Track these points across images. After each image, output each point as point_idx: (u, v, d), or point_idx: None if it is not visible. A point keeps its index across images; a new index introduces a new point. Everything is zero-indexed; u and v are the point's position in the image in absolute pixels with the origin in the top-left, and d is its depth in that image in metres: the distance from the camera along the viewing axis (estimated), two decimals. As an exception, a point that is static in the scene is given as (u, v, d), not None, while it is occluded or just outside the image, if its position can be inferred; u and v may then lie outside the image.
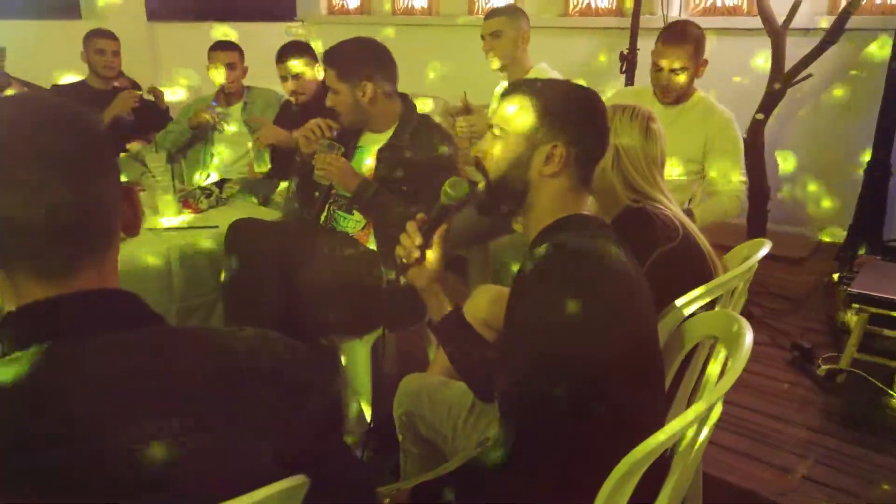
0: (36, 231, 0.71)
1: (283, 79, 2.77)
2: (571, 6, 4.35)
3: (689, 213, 2.07)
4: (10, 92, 2.70)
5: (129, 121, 3.21)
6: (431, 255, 1.34)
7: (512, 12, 2.78)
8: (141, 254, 1.90)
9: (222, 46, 3.03)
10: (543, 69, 2.74)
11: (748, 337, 1.12)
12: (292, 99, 2.79)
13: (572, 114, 1.18)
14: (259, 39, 3.82)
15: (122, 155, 2.84)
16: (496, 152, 1.21)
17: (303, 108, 2.73)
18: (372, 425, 1.92)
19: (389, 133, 2.10)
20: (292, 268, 1.92)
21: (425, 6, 5.05)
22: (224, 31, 5.05)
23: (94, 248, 0.75)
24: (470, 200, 1.29)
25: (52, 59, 3.69)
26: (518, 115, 1.18)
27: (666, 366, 1.33)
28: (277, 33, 5.27)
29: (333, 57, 2.04)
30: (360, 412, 2.05)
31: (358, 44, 2.09)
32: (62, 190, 0.71)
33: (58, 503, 0.64)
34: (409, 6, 5.16)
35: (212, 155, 3.11)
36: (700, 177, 2.34)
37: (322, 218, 2.19)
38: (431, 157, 2.00)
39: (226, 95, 3.08)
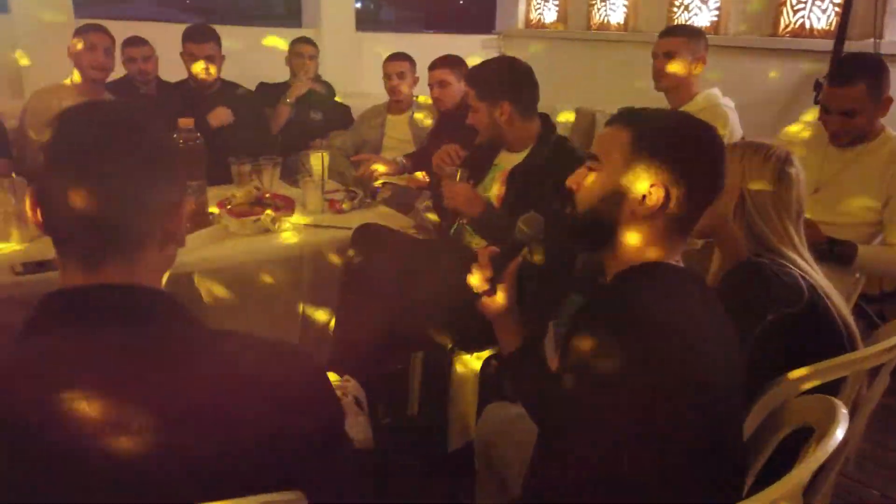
0: (67, 217, 0.78)
1: (431, 87, 2.86)
2: (783, 25, 3.93)
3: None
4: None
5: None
6: (503, 288, 1.29)
7: (692, 34, 2.59)
8: (279, 245, 2.07)
9: (394, 57, 3.18)
10: (711, 96, 2.52)
11: (839, 431, 0.94)
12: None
13: (678, 151, 1.05)
14: (456, 51, 3.96)
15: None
16: (587, 184, 1.12)
17: (443, 116, 2.86)
18: (455, 447, 1.91)
19: (525, 154, 2.08)
20: (407, 275, 1.97)
21: (621, 21, 4.88)
22: (426, 41, 5.33)
23: (122, 244, 0.80)
24: (545, 238, 1.23)
25: (270, 65, 4.15)
26: (613, 146, 1.08)
27: (759, 448, 1.16)
28: (473, 45, 5.44)
29: (474, 77, 2.06)
30: (460, 430, 2.04)
31: (499, 64, 2.09)
32: (93, 182, 0.77)
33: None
34: (606, 21, 5.02)
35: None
36: (878, 227, 2.00)
37: (452, 230, 2.23)
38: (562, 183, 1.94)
39: (395, 103, 3.24)
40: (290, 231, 2.16)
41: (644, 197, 1.05)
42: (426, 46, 4.20)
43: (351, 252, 2.04)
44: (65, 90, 2.87)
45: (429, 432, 2.24)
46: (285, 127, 3.49)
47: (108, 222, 0.79)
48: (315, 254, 2.09)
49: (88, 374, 0.73)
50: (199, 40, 2.94)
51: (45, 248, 1.82)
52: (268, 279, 2.03)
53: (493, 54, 5.67)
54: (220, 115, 2.92)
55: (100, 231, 0.79)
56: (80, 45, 2.76)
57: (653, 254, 1.08)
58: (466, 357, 2.03)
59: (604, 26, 5.04)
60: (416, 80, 3.24)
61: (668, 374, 0.96)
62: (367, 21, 5.49)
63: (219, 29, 3.06)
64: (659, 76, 2.56)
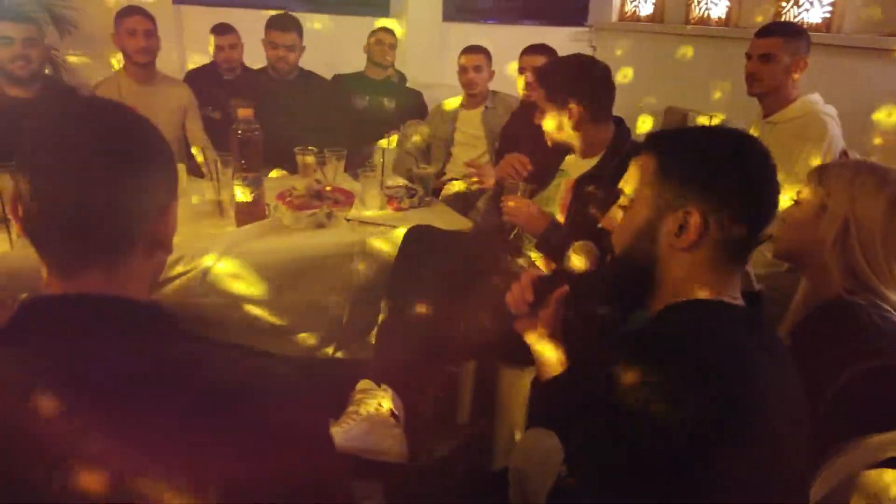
0: (44, 221, 0.74)
1: (521, 71, 2.76)
2: (906, 24, 3.54)
3: None
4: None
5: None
6: (544, 315, 1.19)
7: (792, 34, 2.35)
8: (332, 240, 2.03)
9: (471, 50, 3.09)
10: (810, 102, 2.27)
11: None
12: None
13: (710, 171, 0.92)
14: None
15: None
16: (620, 223, 1.01)
17: (521, 107, 2.77)
18: (499, 467, 1.81)
19: (594, 161, 1.93)
20: (457, 280, 1.88)
21: (723, 16, 4.56)
22: (511, 32, 5.19)
23: (102, 250, 0.76)
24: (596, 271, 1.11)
25: (353, 53, 4.15)
26: (641, 177, 0.97)
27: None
28: (562, 38, 5.24)
29: (544, 76, 1.93)
30: (505, 450, 1.95)
31: (572, 63, 1.94)
32: (70, 184, 0.73)
33: None
34: (706, 15, 4.71)
35: (449, 154, 3.21)
36: None
37: (511, 235, 2.12)
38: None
39: (469, 97, 3.14)
40: (344, 227, 2.11)
41: (681, 227, 0.92)
42: (511, 38, 4.08)
43: (398, 253, 1.97)
44: (122, 78, 2.93)
45: (475, 446, 2.16)
46: (359, 117, 3.47)
47: (86, 227, 0.75)
48: (365, 253, 2.03)
49: (52, 390, 0.69)
50: (282, 29, 2.95)
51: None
52: (315, 277, 1.99)
53: (583, 49, 5.47)
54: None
55: (77, 236, 0.75)
56: (121, 30, 2.83)
57: (701, 290, 0.95)
58: (517, 372, 1.92)
59: (703, 20, 4.73)
60: (491, 74, 3.13)
61: (706, 426, 0.83)
62: (464, 10, 5.39)
63: (309, 16, 3.07)
64: (752, 80, 2.34)
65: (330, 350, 2.08)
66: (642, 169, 0.97)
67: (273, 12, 3.20)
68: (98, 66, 4.09)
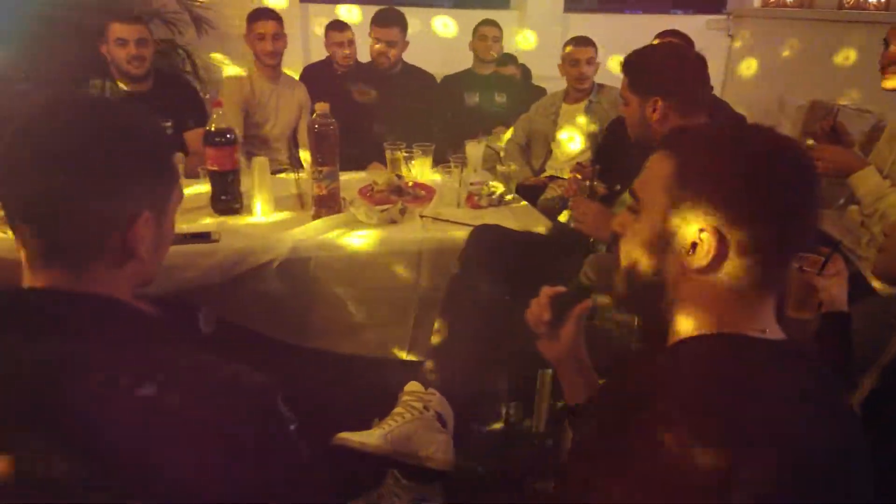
0: (9, 213, 0.76)
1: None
2: None
3: None
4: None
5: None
6: (565, 333, 1.08)
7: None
8: (403, 237, 2.00)
9: (581, 42, 2.94)
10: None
11: None
12: None
13: (734, 182, 0.76)
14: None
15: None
16: (630, 232, 0.87)
17: None
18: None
19: None
20: (523, 283, 1.78)
21: (883, -1, 4.03)
22: (637, 22, 4.92)
23: (63, 253, 0.76)
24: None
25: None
26: (655, 182, 0.82)
27: None
28: (697, 27, 4.88)
29: (629, 64, 1.77)
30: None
31: (660, 53, 1.78)
32: (31, 183, 0.74)
33: None
34: (863, -2, 4.18)
35: (549, 151, 3.09)
36: None
37: (592, 241, 1.98)
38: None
39: (574, 91, 3.00)
40: (417, 224, 2.07)
41: (693, 245, 0.78)
42: (637, 28, 3.85)
43: (459, 257, 1.90)
44: (253, 76, 3.08)
45: (549, 455, 2.05)
46: (467, 114, 3.42)
47: (45, 229, 0.76)
48: (434, 251, 1.98)
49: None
50: (384, 24, 2.98)
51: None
52: (384, 274, 1.97)
53: (719, 38, 5.07)
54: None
55: (38, 236, 0.76)
56: (251, 32, 2.96)
57: (720, 321, 0.79)
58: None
59: (859, 5, 4.20)
60: (597, 67, 2.96)
61: (717, 487, 0.69)
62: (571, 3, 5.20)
63: (426, 11, 3.04)
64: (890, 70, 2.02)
65: (400, 351, 2.06)
66: (657, 170, 0.82)
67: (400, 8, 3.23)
68: (236, 63, 4.37)
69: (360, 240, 1.97)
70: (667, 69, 1.71)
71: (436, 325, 1.95)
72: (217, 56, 4.53)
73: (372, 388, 1.89)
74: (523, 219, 2.14)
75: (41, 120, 0.76)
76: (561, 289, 1.09)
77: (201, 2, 4.27)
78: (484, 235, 1.89)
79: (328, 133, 1.98)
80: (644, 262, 0.83)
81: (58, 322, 0.75)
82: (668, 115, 1.71)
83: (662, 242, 0.81)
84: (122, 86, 2.74)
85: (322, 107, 1.99)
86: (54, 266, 0.77)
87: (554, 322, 1.08)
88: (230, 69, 4.20)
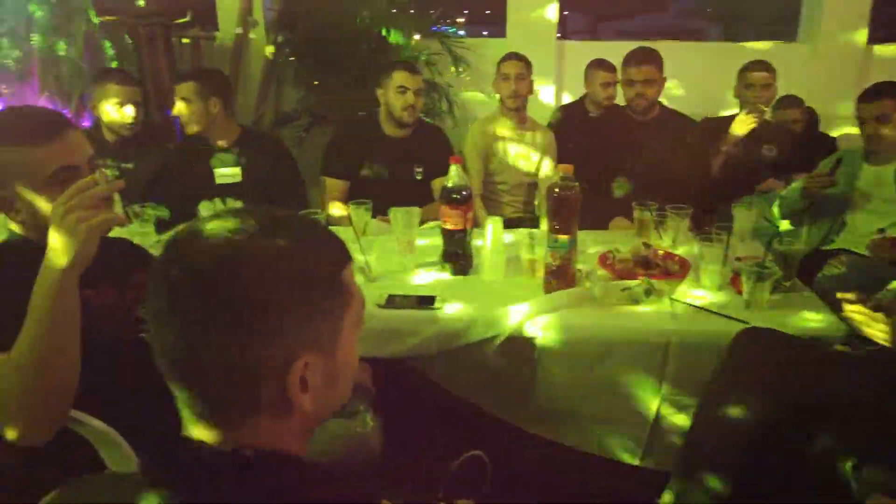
0: (157, 358, 0.66)
1: None
2: None
3: None
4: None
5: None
6: None
7: None
8: (647, 324, 1.70)
9: None
10: None
11: None
12: None
13: None
14: None
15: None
16: None
17: None
18: None
19: None
20: (806, 409, 1.37)
21: None
22: None
23: (206, 410, 0.65)
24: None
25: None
26: None
27: None
28: None
29: None
30: None
31: None
32: (163, 334, 0.63)
33: None
34: None
35: (843, 222, 2.51)
36: None
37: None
38: None
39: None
40: (666, 308, 1.75)
41: None
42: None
43: (714, 371, 1.53)
44: (499, 118, 3.08)
45: None
46: (730, 169, 2.96)
47: (182, 380, 0.64)
48: (686, 346, 1.64)
49: None
50: (635, 63, 2.71)
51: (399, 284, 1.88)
52: (621, 365, 1.68)
53: None
54: None
55: (185, 394, 0.65)
56: (498, 73, 3.02)
57: None
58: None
59: None
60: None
61: None
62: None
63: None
64: None
65: (630, 456, 1.75)
66: None
67: (663, 42, 2.96)
68: (489, 102, 4.41)
69: (595, 322, 1.71)
70: None
71: (680, 441, 1.62)
72: (472, 94, 4.61)
73: (592, 487, 1.63)
74: (814, 318, 1.69)
75: (172, 260, 0.65)
76: None
77: (463, 42, 4.37)
78: (754, 346, 1.49)
79: (569, 199, 1.76)
80: None
81: (209, 480, 0.63)
82: None
83: None
84: (386, 131, 2.83)
85: (565, 168, 1.78)
86: (209, 424, 0.66)
87: None
88: (483, 109, 4.24)
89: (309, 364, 0.65)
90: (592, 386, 1.71)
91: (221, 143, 2.68)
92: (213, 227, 0.64)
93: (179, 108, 2.61)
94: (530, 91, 3.09)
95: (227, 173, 2.68)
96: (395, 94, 2.73)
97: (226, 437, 0.65)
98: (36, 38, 3.18)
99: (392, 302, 1.80)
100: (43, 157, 1.19)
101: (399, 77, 2.73)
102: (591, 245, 2.16)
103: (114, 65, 3.30)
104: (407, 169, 2.88)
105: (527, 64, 3.03)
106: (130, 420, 1.23)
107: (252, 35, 4.32)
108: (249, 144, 2.72)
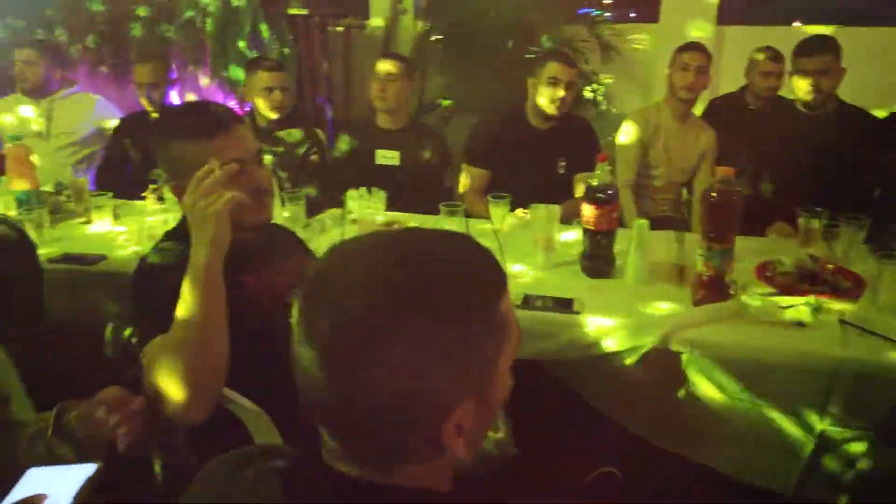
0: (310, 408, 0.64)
1: None
2: None
3: None
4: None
5: None
6: None
7: None
8: (811, 346, 1.54)
9: None
10: None
11: None
12: None
13: None
14: None
15: None
16: None
17: None
18: None
19: None
20: None
21: None
22: None
23: (363, 455, 0.63)
24: None
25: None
26: None
27: None
28: None
29: None
30: None
31: None
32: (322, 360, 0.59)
33: None
34: None
35: None
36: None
37: None
38: None
39: None
40: (834, 330, 1.58)
41: None
42: None
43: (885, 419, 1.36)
44: (662, 110, 2.93)
45: None
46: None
47: (333, 433, 0.63)
48: (857, 377, 1.47)
49: None
50: (808, 54, 2.46)
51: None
52: (778, 388, 1.54)
53: None
54: None
55: (333, 439, 0.64)
56: (674, 63, 2.83)
57: None
58: None
59: None
60: None
61: None
62: None
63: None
64: None
65: (780, 486, 1.61)
66: None
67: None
68: (636, 91, 4.21)
69: (751, 340, 1.57)
70: None
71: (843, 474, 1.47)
72: (619, 83, 4.41)
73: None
74: None
75: (317, 309, 0.60)
76: None
77: (613, 28, 4.19)
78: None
79: (729, 204, 1.62)
80: None
81: None
82: None
83: None
84: (531, 121, 2.78)
85: (725, 171, 1.64)
86: (354, 466, 0.64)
87: None
88: (631, 99, 4.05)
89: (468, 409, 0.61)
90: (743, 409, 1.58)
91: (389, 126, 2.89)
92: (360, 261, 0.62)
93: (379, 87, 2.78)
94: (706, 86, 2.91)
95: (387, 155, 2.85)
96: (546, 86, 2.66)
97: (372, 476, 0.64)
98: (209, 26, 3.44)
99: (528, 302, 1.76)
100: (214, 151, 1.27)
101: (552, 68, 2.65)
102: (746, 253, 2.00)
103: (276, 54, 3.49)
104: (550, 162, 2.81)
105: (709, 57, 2.85)
106: (275, 406, 1.28)
107: (401, 24, 4.39)
108: (413, 133, 2.91)
